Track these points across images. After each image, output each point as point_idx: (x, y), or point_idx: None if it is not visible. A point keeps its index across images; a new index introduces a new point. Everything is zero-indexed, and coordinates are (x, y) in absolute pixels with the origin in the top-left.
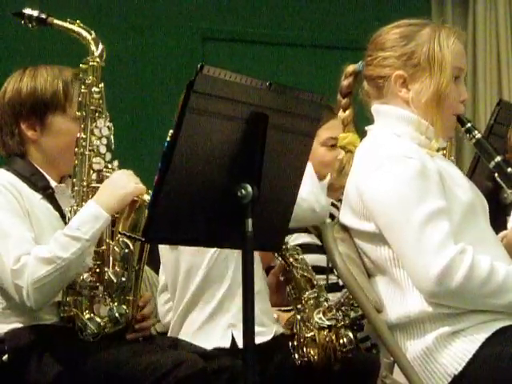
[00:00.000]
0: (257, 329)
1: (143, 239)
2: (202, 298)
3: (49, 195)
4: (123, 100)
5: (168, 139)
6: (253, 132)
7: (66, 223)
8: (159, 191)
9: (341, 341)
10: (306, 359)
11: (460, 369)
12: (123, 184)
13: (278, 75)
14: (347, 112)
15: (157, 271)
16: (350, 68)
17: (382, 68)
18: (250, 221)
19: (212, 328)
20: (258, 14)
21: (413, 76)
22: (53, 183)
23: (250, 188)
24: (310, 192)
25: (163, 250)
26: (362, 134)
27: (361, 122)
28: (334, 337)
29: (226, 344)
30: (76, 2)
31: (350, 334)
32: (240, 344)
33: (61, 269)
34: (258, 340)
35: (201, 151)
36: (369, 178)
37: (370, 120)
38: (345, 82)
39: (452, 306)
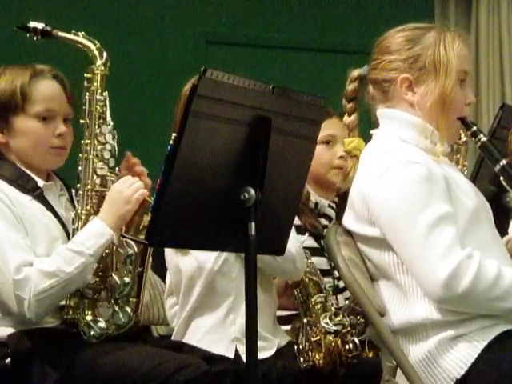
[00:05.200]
0: (259, 343)
1: (146, 242)
2: (207, 307)
3: (39, 195)
4: (126, 103)
5: (171, 142)
6: (256, 135)
7: (61, 222)
8: (162, 194)
9: (346, 346)
10: (311, 363)
11: (462, 373)
12: (125, 199)
13: (281, 79)
14: (352, 117)
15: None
16: (355, 73)
17: (388, 71)
18: (253, 224)
19: (216, 340)
20: (261, 18)
21: (418, 79)
22: (40, 183)
23: (252, 191)
24: (298, 249)
25: (168, 253)
26: (367, 138)
27: (366, 125)
28: (339, 342)
29: (230, 355)
30: (79, 7)
31: (356, 340)
32: (244, 358)
33: (63, 283)
34: (260, 355)
35: (204, 155)
36: (374, 183)
37: (375, 124)
38: (350, 87)
39: (457, 313)
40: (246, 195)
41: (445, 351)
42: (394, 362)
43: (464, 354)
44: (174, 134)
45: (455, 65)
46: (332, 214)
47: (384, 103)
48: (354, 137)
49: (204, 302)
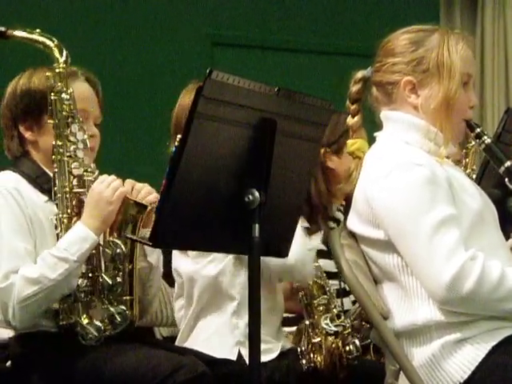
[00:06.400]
0: (263, 346)
1: (150, 244)
2: (211, 311)
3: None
4: (132, 106)
5: (176, 144)
6: (261, 138)
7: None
8: (167, 196)
9: (347, 348)
10: (312, 365)
11: (466, 377)
12: (106, 200)
13: (286, 81)
14: (356, 118)
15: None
16: (359, 74)
17: (391, 74)
18: (257, 226)
19: (219, 343)
20: (267, 20)
21: (422, 82)
22: None
23: (257, 193)
24: (298, 257)
25: (173, 255)
26: (371, 140)
27: (370, 127)
28: (340, 343)
29: (232, 358)
30: (83, 9)
31: (357, 341)
32: (247, 360)
33: (47, 289)
34: (264, 358)
35: (208, 156)
36: (378, 185)
37: (379, 126)
38: (354, 88)
39: (461, 315)
40: (251, 197)
41: (449, 355)
42: (397, 366)
43: (468, 358)
44: (179, 136)
45: (459, 67)
46: (341, 217)
47: (388, 105)
48: (357, 138)
49: (208, 306)
